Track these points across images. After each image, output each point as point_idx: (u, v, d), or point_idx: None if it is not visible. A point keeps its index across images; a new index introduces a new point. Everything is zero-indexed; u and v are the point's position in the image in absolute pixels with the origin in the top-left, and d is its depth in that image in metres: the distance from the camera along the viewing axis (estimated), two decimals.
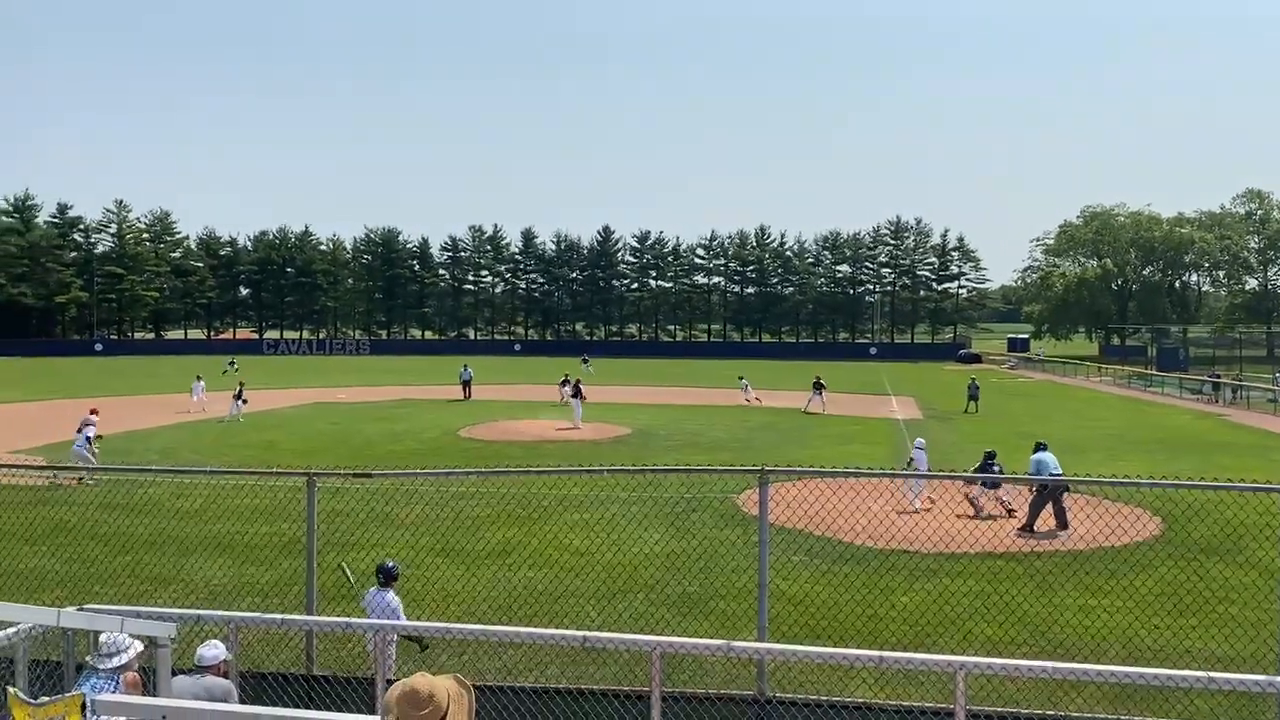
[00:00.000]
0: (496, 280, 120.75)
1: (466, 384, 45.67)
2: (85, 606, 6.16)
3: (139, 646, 5.60)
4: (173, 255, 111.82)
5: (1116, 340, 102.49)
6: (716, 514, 17.21)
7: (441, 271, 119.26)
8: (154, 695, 5.34)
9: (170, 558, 13.74)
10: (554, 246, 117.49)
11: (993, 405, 43.16)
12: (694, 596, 12.24)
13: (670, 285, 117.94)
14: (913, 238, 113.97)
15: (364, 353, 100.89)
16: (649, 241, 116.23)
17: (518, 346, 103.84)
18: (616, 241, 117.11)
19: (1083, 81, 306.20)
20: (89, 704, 4.53)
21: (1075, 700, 8.01)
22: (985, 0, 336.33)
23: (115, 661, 5.46)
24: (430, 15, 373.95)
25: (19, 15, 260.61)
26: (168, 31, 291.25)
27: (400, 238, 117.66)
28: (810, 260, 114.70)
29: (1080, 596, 12.19)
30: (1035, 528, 16.52)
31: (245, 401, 35.54)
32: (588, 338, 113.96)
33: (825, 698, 7.87)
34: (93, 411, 24.61)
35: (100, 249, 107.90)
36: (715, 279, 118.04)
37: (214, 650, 6.31)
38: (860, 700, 7.77)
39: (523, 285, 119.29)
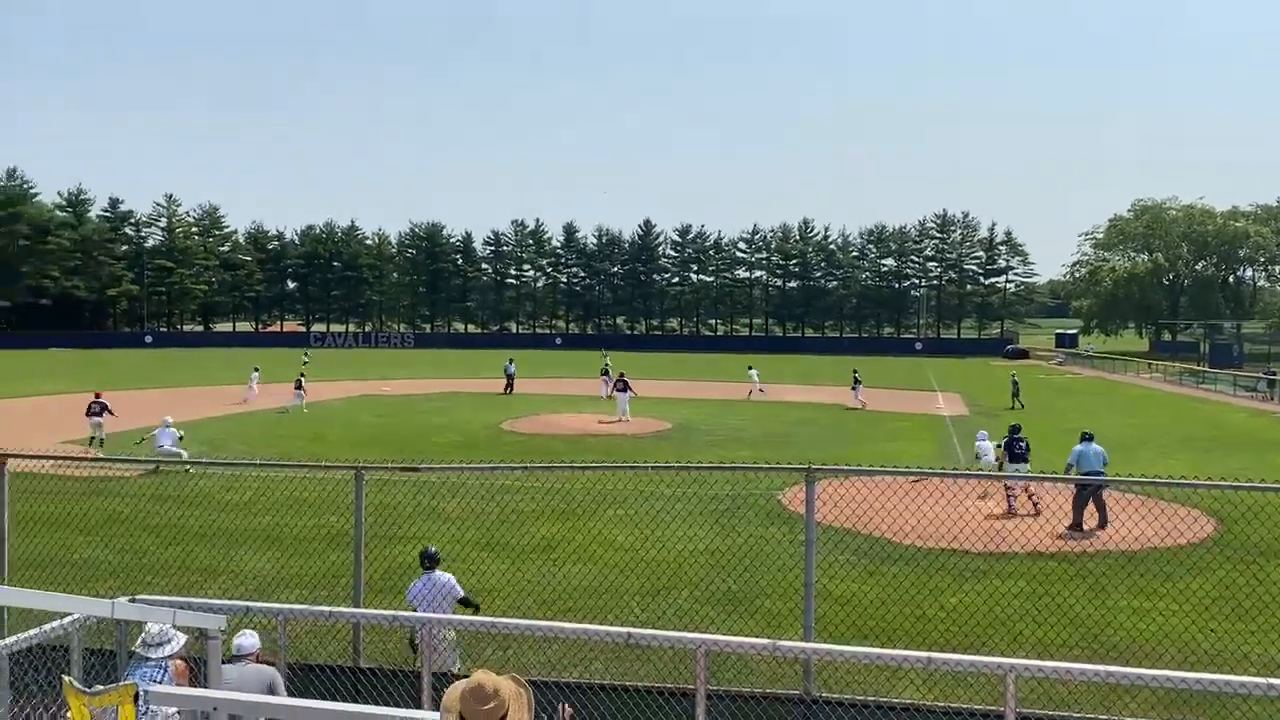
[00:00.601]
0: (538, 274, 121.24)
1: (510, 378, 45.87)
2: (137, 598, 6.23)
3: (185, 636, 5.68)
4: (221, 249, 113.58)
5: (1168, 336, 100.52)
6: (760, 511, 17.11)
7: (484, 266, 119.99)
8: (205, 686, 5.39)
9: (219, 549, 13.93)
10: (595, 240, 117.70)
11: (1040, 402, 42.56)
12: (738, 594, 12.17)
13: (712, 279, 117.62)
14: (959, 231, 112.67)
15: (408, 346, 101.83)
16: (690, 235, 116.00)
17: (559, 340, 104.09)
18: (658, 235, 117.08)
19: (1135, 73, 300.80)
20: (141, 694, 4.58)
21: (1129, 705, 7.85)
22: None
23: (163, 651, 5.54)
24: (471, 7, 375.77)
25: (73, 15, 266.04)
26: (215, 28, 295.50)
27: (444, 232, 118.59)
28: (855, 254, 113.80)
29: (1133, 598, 11.96)
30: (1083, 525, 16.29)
31: (304, 393, 36.62)
32: (628, 332, 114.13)
33: (872, 698, 7.78)
34: (98, 396, 25.45)
35: (150, 243, 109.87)
36: (757, 273, 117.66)
37: (250, 639, 6.45)
38: (908, 701, 7.67)
39: (564, 279, 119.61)
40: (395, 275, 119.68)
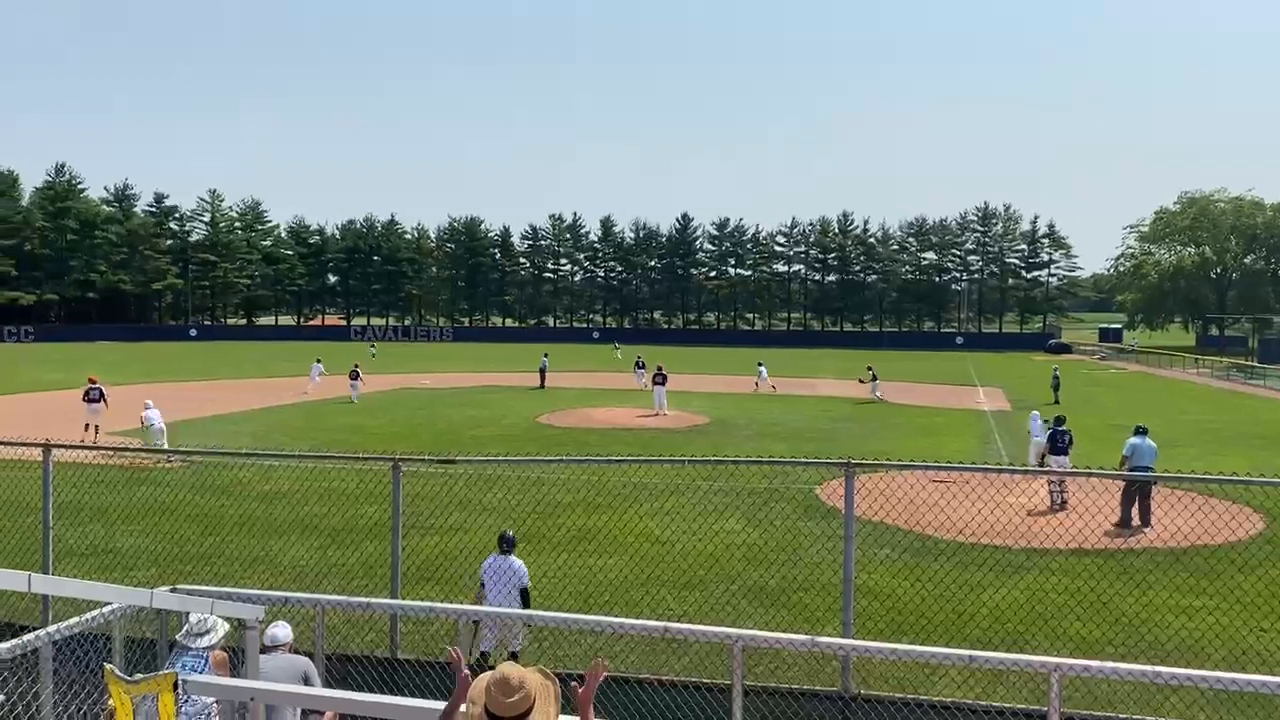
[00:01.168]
0: (575, 269, 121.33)
1: (543, 372, 45.96)
2: (177, 587, 6.28)
3: (227, 626, 5.71)
4: (264, 244, 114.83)
5: (1215, 331, 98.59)
6: (797, 505, 16.99)
7: (522, 260, 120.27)
8: (242, 676, 5.42)
9: (258, 539, 14.06)
10: (633, 235, 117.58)
11: (1084, 397, 41.94)
12: (774, 588, 12.08)
13: (749, 273, 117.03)
14: (1001, 224, 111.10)
15: (447, 339, 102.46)
16: (728, 229, 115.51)
17: (596, 334, 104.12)
18: (695, 229, 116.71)
19: (1180, 63, 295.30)
20: (180, 682, 4.61)
21: (1175, 705, 7.69)
22: None
23: (205, 641, 5.57)
24: (510, 6, 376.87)
25: (121, 14, 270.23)
26: (257, 27, 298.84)
27: (482, 226, 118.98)
28: (894, 247, 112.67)
29: (1178, 596, 11.71)
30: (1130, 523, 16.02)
31: (361, 383, 37.86)
32: (665, 326, 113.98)
33: (912, 696, 7.68)
34: (93, 381, 25.94)
35: (195, 237, 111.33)
36: (795, 267, 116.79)
37: (284, 630, 6.48)
38: (948, 700, 7.55)
39: (601, 274, 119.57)
40: (434, 269, 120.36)
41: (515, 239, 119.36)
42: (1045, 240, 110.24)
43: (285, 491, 17.12)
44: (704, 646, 8.58)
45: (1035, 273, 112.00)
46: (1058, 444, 18.52)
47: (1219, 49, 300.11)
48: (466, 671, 3.76)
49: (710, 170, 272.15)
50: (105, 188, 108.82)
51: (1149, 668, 6.21)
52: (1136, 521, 16.09)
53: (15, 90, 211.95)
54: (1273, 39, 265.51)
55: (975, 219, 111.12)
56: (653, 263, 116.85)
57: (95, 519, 14.14)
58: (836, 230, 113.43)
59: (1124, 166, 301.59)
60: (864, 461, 8.16)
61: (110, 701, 4.58)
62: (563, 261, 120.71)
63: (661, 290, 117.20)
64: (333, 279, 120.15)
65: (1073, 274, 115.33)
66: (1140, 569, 12.90)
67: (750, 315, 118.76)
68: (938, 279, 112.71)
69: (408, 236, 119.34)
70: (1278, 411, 38.35)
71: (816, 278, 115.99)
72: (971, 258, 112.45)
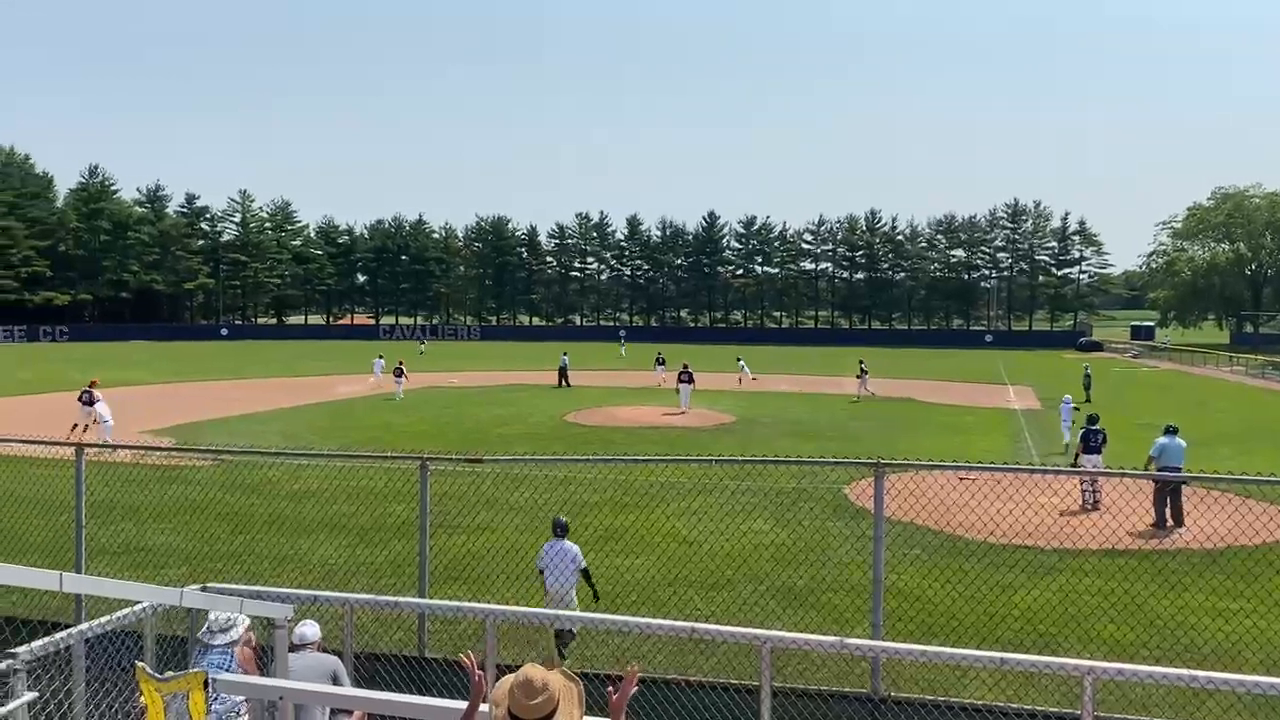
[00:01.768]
0: (602, 267, 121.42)
1: (563, 370, 45.87)
2: (208, 586, 6.32)
3: (247, 621, 5.73)
4: (293, 243, 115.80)
5: (1249, 328, 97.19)
6: (825, 505, 16.89)
7: (549, 259, 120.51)
8: (271, 675, 5.44)
9: (287, 537, 14.15)
10: (659, 233, 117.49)
11: (1116, 395, 41.49)
12: (802, 588, 12.01)
13: (776, 271, 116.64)
14: (1031, 221, 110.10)
15: (474, 338, 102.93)
16: (755, 227, 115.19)
17: (623, 333, 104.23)
18: (722, 227, 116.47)
19: (1216, 56, 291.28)
20: (210, 680, 4.63)
21: (1212, 709, 7.57)
22: None
23: (227, 637, 5.60)
24: (542, 7, 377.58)
25: (152, 17, 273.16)
26: (285, 28, 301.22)
27: (509, 225, 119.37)
28: (923, 245, 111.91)
29: (1214, 598, 11.53)
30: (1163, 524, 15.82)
31: (405, 379, 39.05)
32: (692, 324, 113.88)
33: (942, 698, 7.60)
34: (93, 385, 26.47)
35: (226, 237, 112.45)
36: (823, 264, 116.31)
37: (312, 629, 6.50)
38: (979, 702, 7.47)
39: (628, 272, 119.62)
40: (462, 268, 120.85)
41: (542, 238, 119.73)
42: (1076, 237, 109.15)
43: (314, 490, 17.23)
44: (732, 647, 8.54)
45: (1066, 270, 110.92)
46: (1090, 443, 18.31)
47: (1256, 42, 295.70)
48: (480, 674, 3.77)
49: (737, 168, 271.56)
50: (138, 189, 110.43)
51: (1185, 671, 6.11)
52: (1170, 522, 15.89)
53: (50, 94, 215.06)
54: None
55: (1005, 216, 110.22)
56: (679, 261, 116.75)
57: (127, 517, 14.29)
58: (864, 228, 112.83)
59: (1156, 162, 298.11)
60: (894, 461, 8.09)
61: (142, 699, 4.61)
62: (589, 260, 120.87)
63: (688, 288, 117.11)
64: (361, 278, 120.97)
65: (1104, 271, 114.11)
66: (1174, 570, 12.71)
67: (778, 313, 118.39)
68: (967, 276, 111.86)
69: (435, 236, 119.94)
70: None
71: (844, 275, 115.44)
72: (1001, 255, 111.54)
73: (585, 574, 9.85)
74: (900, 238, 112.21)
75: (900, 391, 41.94)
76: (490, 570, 11.52)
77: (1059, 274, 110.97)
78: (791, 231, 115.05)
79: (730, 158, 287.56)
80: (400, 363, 41.13)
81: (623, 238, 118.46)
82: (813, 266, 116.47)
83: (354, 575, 12.43)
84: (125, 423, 27.06)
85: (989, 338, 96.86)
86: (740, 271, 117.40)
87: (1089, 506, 17.30)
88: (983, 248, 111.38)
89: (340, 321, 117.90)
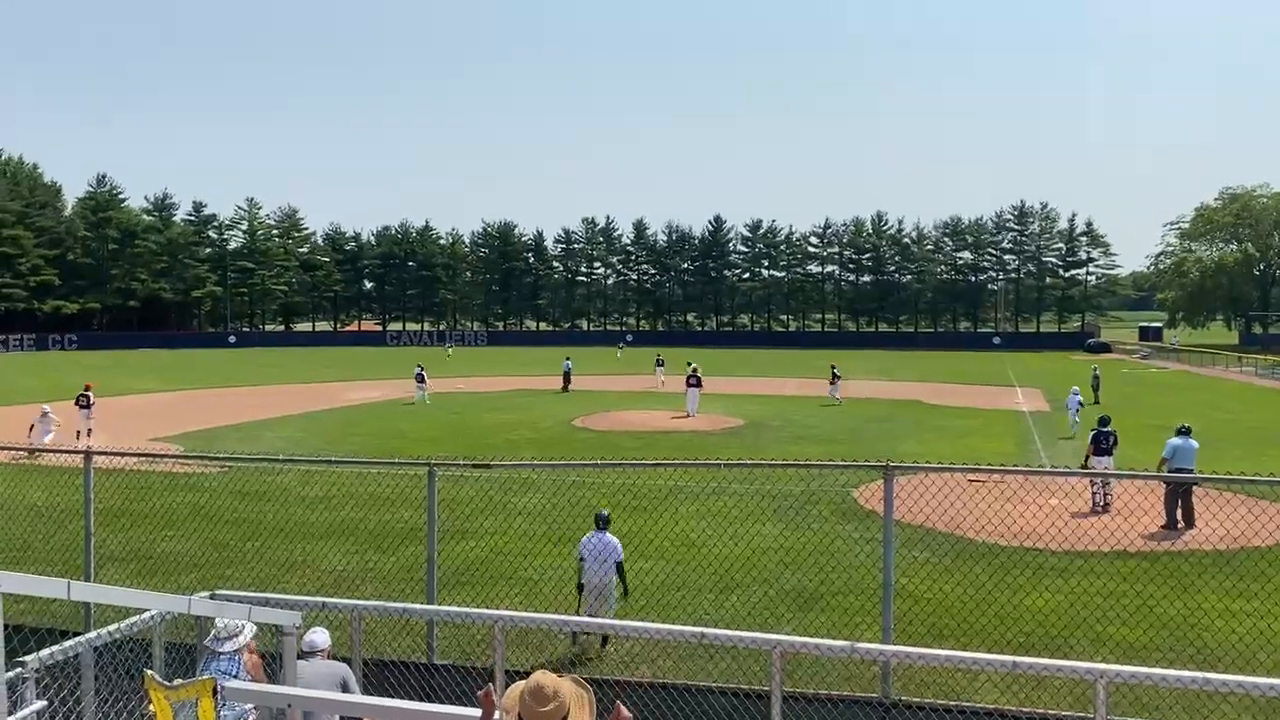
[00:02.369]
0: (609, 272, 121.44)
1: (567, 375, 45.80)
2: (217, 593, 6.32)
3: (254, 628, 5.73)
4: (300, 250, 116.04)
5: (1258, 328, 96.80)
6: (833, 508, 16.85)
7: (555, 264, 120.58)
8: (280, 682, 5.44)
9: (297, 543, 14.15)
10: (665, 237, 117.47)
11: (1124, 396, 41.33)
12: (812, 592, 11.98)
13: (783, 274, 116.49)
14: (1038, 222, 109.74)
15: (481, 344, 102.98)
16: (761, 230, 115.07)
17: (629, 337, 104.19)
18: (728, 231, 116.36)
19: (1220, 57, 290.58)
20: (219, 688, 4.62)
21: (1225, 712, 7.52)
22: None
23: (234, 644, 5.60)
24: (546, 12, 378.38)
25: (158, 24, 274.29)
26: (292, 33, 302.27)
27: (516, 231, 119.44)
28: (930, 247, 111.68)
29: (1225, 600, 11.46)
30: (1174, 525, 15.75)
31: (427, 385, 39.49)
32: (698, 328, 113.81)
33: (953, 703, 7.56)
34: (88, 389, 26.97)
35: (233, 245, 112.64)
36: (829, 268, 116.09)
37: (322, 636, 6.50)
38: (990, 705, 7.44)
39: (634, 276, 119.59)
40: (469, 274, 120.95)
41: (549, 243, 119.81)
42: (1083, 238, 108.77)
43: (323, 496, 17.24)
44: (741, 651, 8.51)
45: (1073, 271, 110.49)
46: (1101, 445, 18.24)
47: (1261, 43, 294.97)
48: (488, 687, 3.77)
49: (743, 172, 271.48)
50: (145, 197, 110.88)
51: (1199, 674, 6.07)
52: (1181, 524, 15.82)
53: (58, 103, 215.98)
54: None
55: (1011, 218, 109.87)
56: (686, 265, 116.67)
57: (136, 524, 14.32)
58: (870, 230, 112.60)
59: (1163, 163, 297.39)
60: (903, 464, 8.06)
61: (151, 707, 4.60)
62: (596, 265, 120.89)
63: (694, 292, 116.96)
64: (368, 285, 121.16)
65: (1111, 272, 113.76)
66: (1185, 572, 12.65)
67: (784, 317, 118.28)
68: (974, 278, 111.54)
69: (442, 242, 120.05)
70: None
71: (851, 278, 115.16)
72: (1008, 257, 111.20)
73: (619, 568, 10.20)
74: (907, 240, 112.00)
75: (905, 394, 41.83)
76: (499, 575, 11.53)
77: (1066, 275, 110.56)
78: (798, 235, 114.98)
79: (736, 160, 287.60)
80: (420, 366, 41.13)
81: (629, 242, 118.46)
82: (819, 269, 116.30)
83: (364, 581, 12.43)
84: (135, 430, 27.16)
85: (997, 340, 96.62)
86: (746, 275, 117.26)
87: (1099, 509, 17.23)
88: (989, 250, 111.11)
89: (347, 328, 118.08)
